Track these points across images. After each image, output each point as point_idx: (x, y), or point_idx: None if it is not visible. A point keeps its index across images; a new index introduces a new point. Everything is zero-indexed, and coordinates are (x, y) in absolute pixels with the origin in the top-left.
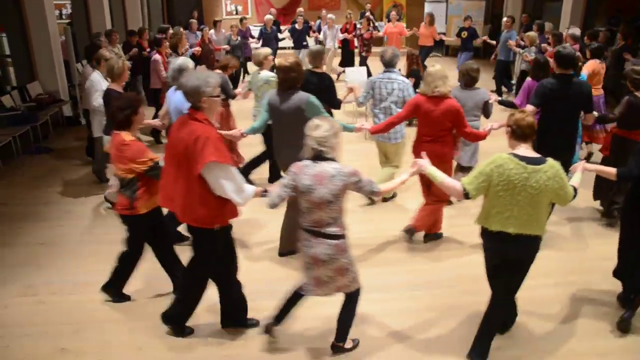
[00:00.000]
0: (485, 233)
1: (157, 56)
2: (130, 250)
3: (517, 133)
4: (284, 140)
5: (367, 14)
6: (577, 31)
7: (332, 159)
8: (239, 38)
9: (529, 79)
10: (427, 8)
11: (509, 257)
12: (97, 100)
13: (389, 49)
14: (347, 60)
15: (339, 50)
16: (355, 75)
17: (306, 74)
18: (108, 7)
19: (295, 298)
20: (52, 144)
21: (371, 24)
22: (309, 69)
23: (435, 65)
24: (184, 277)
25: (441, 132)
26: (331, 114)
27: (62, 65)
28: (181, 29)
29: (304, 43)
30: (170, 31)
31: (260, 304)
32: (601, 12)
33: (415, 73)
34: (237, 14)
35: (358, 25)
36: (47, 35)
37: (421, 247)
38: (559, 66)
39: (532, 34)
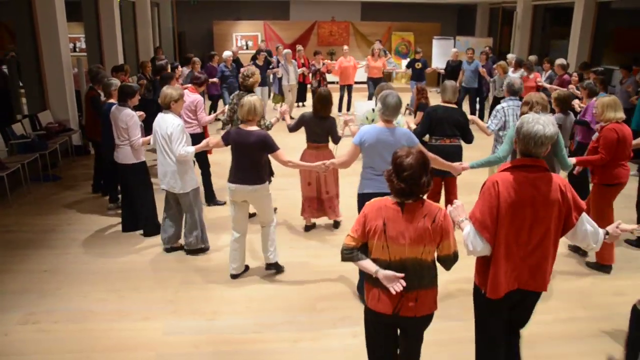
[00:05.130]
0: None
1: (196, 95)
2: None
3: None
4: None
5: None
6: (564, 61)
7: None
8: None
9: (594, 99)
10: (435, 45)
11: None
12: (186, 149)
13: (517, 80)
14: (300, 96)
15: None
16: (364, 109)
17: (439, 109)
18: (121, 41)
19: None
20: (61, 172)
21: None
22: (443, 104)
23: (611, 96)
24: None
25: None
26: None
27: (73, 96)
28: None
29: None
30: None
31: None
32: (609, 49)
33: (424, 107)
34: (247, 49)
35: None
36: (60, 66)
37: None
38: None
39: (504, 63)
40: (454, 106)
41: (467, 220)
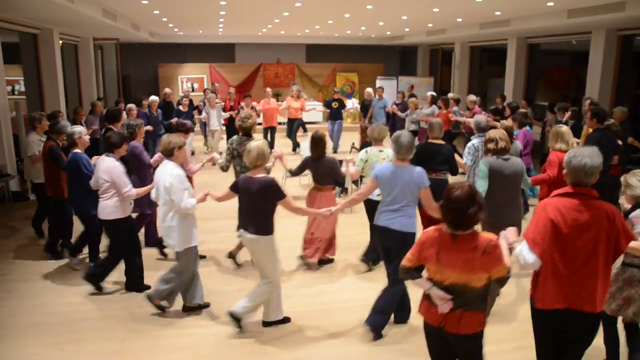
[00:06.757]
0: None
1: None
2: None
3: None
4: (503, 201)
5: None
6: (474, 97)
7: None
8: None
9: (525, 128)
10: (379, 84)
11: None
12: (190, 201)
13: (483, 118)
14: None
15: (224, 128)
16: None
17: (428, 145)
18: (62, 84)
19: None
20: None
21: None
22: (431, 141)
23: (562, 126)
24: None
25: None
26: (447, 181)
27: (10, 140)
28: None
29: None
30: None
31: None
32: (541, 87)
33: (368, 145)
34: (193, 91)
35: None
36: None
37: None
38: (598, 122)
39: (414, 100)
40: (441, 142)
41: (518, 241)
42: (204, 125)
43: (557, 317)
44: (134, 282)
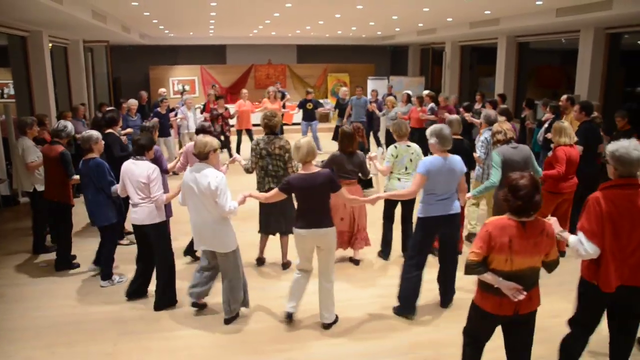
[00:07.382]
0: None
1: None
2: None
3: None
4: None
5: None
6: (446, 94)
7: None
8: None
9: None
10: (370, 85)
11: None
12: (234, 204)
13: (492, 112)
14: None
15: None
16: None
17: (454, 141)
18: (52, 87)
19: None
20: None
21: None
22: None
23: (564, 122)
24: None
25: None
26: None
27: (0, 144)
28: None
29: (170, 129)
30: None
31: None
32: (532, 85)
33: (362, 146)
34: (184, 92)
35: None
36: None
37: (372, 315)
38: (586, 115)
39: (392, 98)
40: (461, 137)
41: (566, 231)
42: (179, 127)
43: (614, 295)
44: (139, 289)
